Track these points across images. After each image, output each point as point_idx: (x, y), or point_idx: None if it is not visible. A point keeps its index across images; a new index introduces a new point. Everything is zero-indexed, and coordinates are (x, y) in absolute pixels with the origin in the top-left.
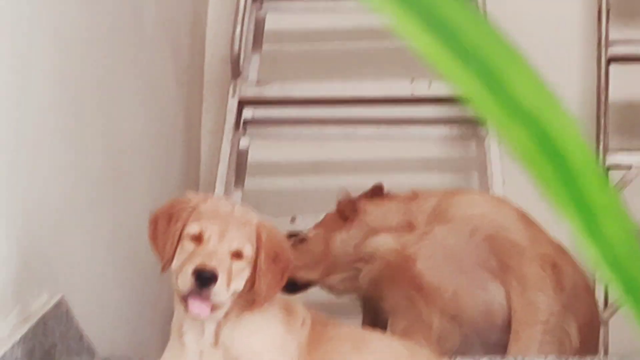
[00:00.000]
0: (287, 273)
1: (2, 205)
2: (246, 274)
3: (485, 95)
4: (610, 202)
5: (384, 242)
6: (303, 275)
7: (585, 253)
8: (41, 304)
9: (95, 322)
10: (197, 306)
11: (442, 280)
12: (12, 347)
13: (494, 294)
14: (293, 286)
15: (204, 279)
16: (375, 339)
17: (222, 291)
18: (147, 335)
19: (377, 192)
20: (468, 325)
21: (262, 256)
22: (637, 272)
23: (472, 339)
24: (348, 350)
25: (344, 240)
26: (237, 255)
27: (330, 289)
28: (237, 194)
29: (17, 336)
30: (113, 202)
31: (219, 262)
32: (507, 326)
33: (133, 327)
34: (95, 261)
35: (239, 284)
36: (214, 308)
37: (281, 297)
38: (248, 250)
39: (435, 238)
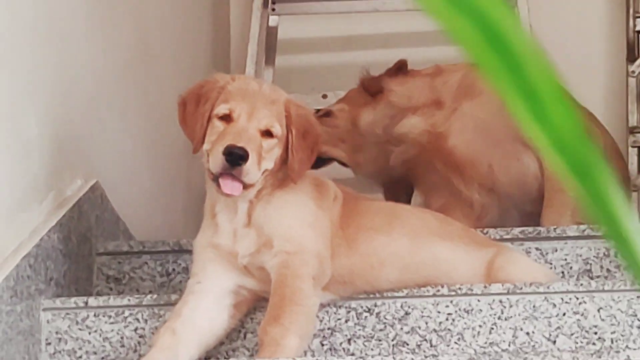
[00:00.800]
0: (317, 149)
1: (33, 89)
2: (276, 152)
3: None
4: (555, 89)
5: (413, 125)
6: (328, 150)
7: (534, 139)
8: (76, 189)
9: (130, 206)
10: (228, 185)
11: (476, 155)
12: (48, 232)
13: (528, 165)
14: (316, 161)
15: (235, 158)
16: (406, 211)
17: (253, 169)
18: (182, 217)
19: (400, 68)
20: (506, 197)
21: (293, 133)
22: (583, 155)
23: (510, 210)
24: (380, 223)
25: (370, 120)
26: (267, 133)
27: (357, 167)
28: (268, 73)
29: (53, 221)
30: (144, 84)
31: (249, 141)
32: (542, 196)
33: (168, 210)
34: (127, 145)
35: (269, 162)
36: (245, 187)
37: (312, 174)
38: (277, 129)
39: (464, 113)
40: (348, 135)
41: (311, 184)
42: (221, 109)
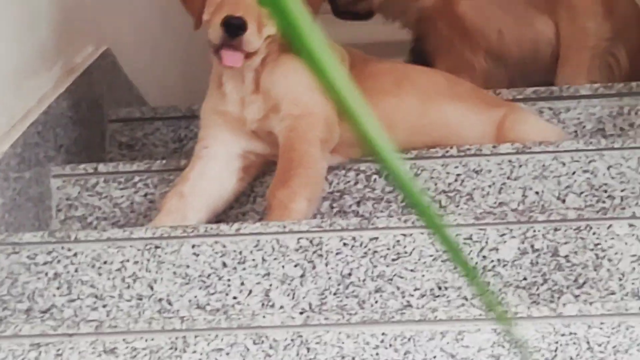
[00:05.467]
0: (318, 7)
1: None
2: None
3: None
4: None
5: None
6: (363, 6)
7: None
8: (86, 56)
9: (145, 73)
10: (230, 57)
11: (486, 21)
12: (57, 98)
13: (542, 30)
14: (355, 15)
15: (233, 29)
16: (416, 71)
17: (254, 38)
18: (200, 83)
19: None
20: (514, 65)
21: None
22: None
23: (518, 81)
24: (388, 84)
25: None
26: None
27: (387, 16)
28: None
29: (62, 88)
30: None
31: (247, 10)
32: (554, 64)
33: (184, 76)
34: (141, 10)
35: (271, 28)
36: (247, 56)
37: None
38: None
39: None
40: None
41: None
42: None
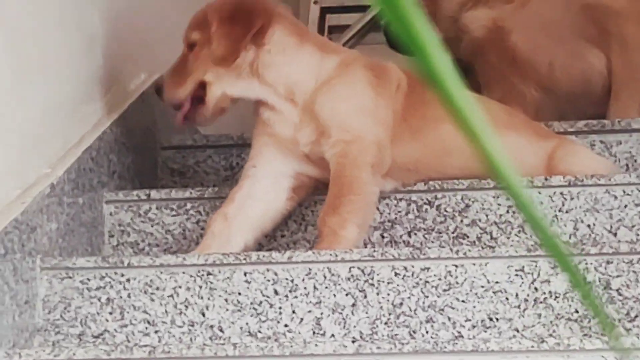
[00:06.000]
0: (255, 22)
1: None
2: (206, 52)
3: None
4: None
5: (475, 17)
6: None
7: None
8: (139, 83)
9: None
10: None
11: (537, 53)
12: (111, 125)
13: (593, 63)
14: None
15: (157, 92)
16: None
17: (171, 90)
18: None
19: None
20: (565, 96)
21: (213, 25)
22: None
23: (568, 112)
24: (445, 113)
25: (447, 9)
26: (191, 46)
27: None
28: None
29: (116, 115)
30: None
31: (170, 71)
32: (605, 97)
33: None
34: None
35: (200, 68)
36: (195, 105)
37: (373, 60)
38: (195, 35)
39: (531, 10)
40: (432, 14)
41: (367, 70)
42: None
